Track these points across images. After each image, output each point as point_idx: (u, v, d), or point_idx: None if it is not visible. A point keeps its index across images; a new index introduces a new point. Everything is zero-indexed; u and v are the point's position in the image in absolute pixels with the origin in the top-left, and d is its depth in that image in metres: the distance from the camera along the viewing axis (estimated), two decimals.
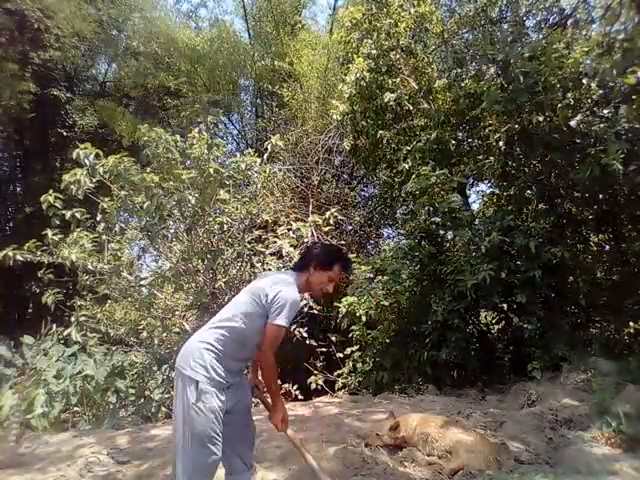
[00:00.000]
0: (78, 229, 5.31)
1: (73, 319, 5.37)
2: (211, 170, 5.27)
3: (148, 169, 5.45)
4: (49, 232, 5.18)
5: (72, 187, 5.07)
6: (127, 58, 14.08)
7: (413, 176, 6.11)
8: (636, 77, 4.76)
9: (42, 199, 5.10)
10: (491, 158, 6.52)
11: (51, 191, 5.13)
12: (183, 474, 2.00)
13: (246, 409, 2.29)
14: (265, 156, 6.01)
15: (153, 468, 3.10)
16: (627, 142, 4.83)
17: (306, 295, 5.80)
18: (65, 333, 5.36)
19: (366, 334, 6.34)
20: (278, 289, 2.13)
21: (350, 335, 6.49)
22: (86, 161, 5.15)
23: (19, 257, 4.98)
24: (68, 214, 5.16)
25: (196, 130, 5.51)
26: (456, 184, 6.02)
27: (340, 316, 6.34)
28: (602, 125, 5.05)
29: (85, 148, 5.20)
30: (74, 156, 5.22)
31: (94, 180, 5.16)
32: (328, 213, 6.00)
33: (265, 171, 6.06)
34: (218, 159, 5.66)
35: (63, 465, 3.21)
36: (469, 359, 5.67)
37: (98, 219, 5.41)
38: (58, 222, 5.20)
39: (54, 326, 5.67)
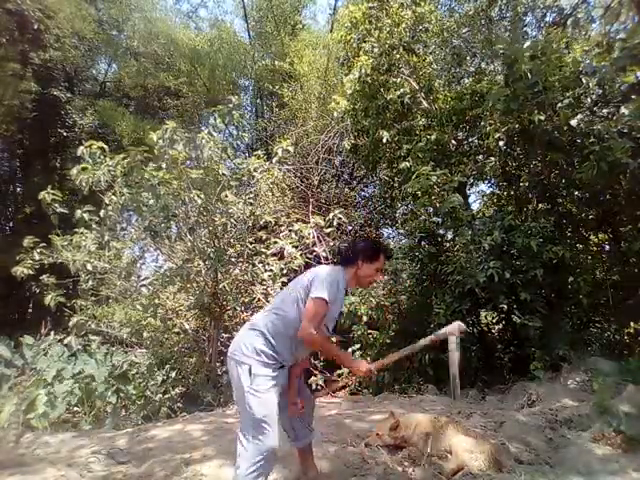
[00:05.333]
0: (81, 230, 5.33)
1: (71, 324, 5.38)
2: (220, 172, 5.28)
3: (163, 165, 5.44)
4: (56, 239, 5.23)
5: (84, 183, 5.11)
6: (127, 58, 14.09)
7: (414, 176, 6.11)
8: (635, 76, 4.76)
9: (40, 197, 5.13)
10: (491, 158, 6.51)
11: (49, 188, 5.15)
12: (242, 460, 2.06)
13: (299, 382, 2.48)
14: (274, 160, 5.99)
15: (153, 468, 3.09)
16: (631, 140, 4.82)
17: None
18: (65, 341, 5.40)
19: (367, 334, 6.34)
20: (317, 272, 2.28)
21: (351, 335, 6.49)
22: (90, 160, 5.17)
23: (30, 271, 5.12)
24: (77, 214, 5.18)
25: (206, 131, 5.51)
26: (456, 184, 6.02)
27: (342, 316, 6.33)
28: (604, 124, 5.05)
29: (90, 145, 5.21)
30: (78, 153, 5.25)
31: (106, 179, 5.20)
32: (332, 214, 6.01)
33: (272, 174, 6.05)
34: (226, 162, 5.68)
35: (63, 465, 3.21)
36: (469, 359, 5.66)
37: (101, 215, 5.43)
38: (59, 221, 5.23)
39: (52, 332, 5.70)
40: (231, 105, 5.38)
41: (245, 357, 2.13)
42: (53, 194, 5.11)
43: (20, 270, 5.12)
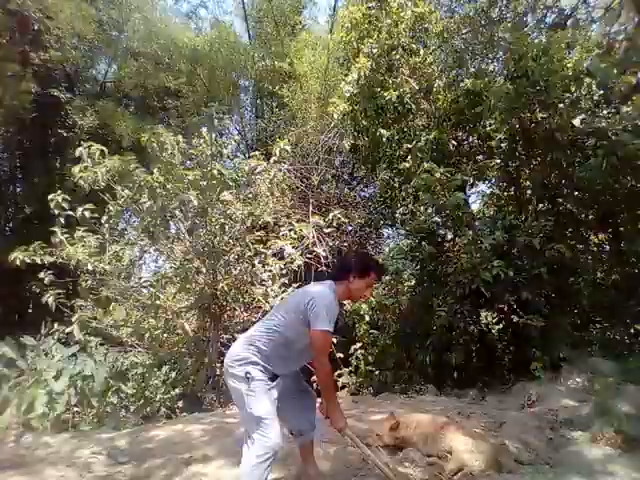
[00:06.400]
0: (82, 228, 5.34)
1: (74, 318, 5.39)
2: (215, 172, 5.28)
3: (155, 170, 5.45)
4: (57, 230, 5.23)
5: (83, 182, 5.12)
6: (127, 58, 14.07)
7: (418, 172, 6.10)
8: (636, 77, 4.77)
9: (50, 198, 5.17)
10: (492, 158, 6.52)
11: (59, 191, 5.19)
12: (247, 457, 2.16)
13: (297, 379, 2.56)
14: (272, 160, 5.99)
15: (153, 468, 3.09)
16: (638, 135, 4.82)
17: None
18: (67, 331, 5.40)
19: (368, 333, 6.35)
20: (312, 296, 2.32)
21: (353, 334, 6.50)
22: (89, 160, 5.18)
23: (26, 259, 5.09)
24: (78, 212, 5.20)
25: (204, 131, 5.51)
26: (460, 182, 6.01)
27: (345, 315, 6.36)
28: (609, 120, 5.05)
29: (89, 146, 5.22)
30: (76, 154, 5.26)
31: (107, 179, 5.22)
32: (331, 215, 6.02)
33: (270, 174, 6.05)
34: (224, 162, 5.68)
35: (63, 465, 3.21)
36: (470, 360, 5.67)
37: (103, 220, 5.45)
38: (63, 222, 5.26)
39: (55, 325, 5.70)
40: (214, 110, 5.41)
41: (240, 368, 2.24)
42: (63, 197, 5.17)
43: (15, 255, 5.09)
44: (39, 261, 5.22)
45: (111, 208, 5.46)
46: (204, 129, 5.70)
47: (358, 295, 2.55)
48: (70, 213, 5.26)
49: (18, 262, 5.10)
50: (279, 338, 2.30)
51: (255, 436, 2.15)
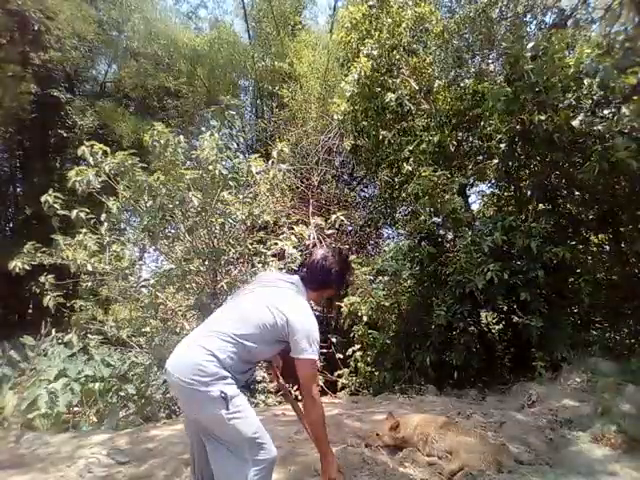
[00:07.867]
0: (83, 230, 5.32)
1: (72, 323, 5.38)
2: (217, 172, 5.27)
3: (158, 169, 5.43)
4: (59, 238, 5.20)
5: (77, 185, 5.08)
6: (127, 59, 14.10)
7: (415, 178, 6.10)
8: (637, 77, 4.76)
9: (42, 199, 5.12)
10: (492, 159, 6.52)
11: (51, 191, 5.14)
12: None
13: None
14: (271, 162, 5.99)
15: (153, 468, 3.10)
16: (633, 139, 4.82)
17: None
18: (66, 339, 5.38)
19: (367, 334, 6.34)
20: (288, 317, 2.02)
21: (352, 335, 6.49)
22: (91, 159, 5.15)
23: (26, 266, 5.07)
24: (73, 214, 5.17)
25: (208, 134, 5.50)
26: (458, 185, 6.01)
27: (342, 317, 6.35)
28: (605, 124, 5.05)
29: (91, 145, 5.20)
30: (79, 153, 5.23)
31: (100, 179, 5.17)
32: (334, 217, 6.02)
33: (270, 174, 6.04)
34: (224, 162, 5.67)
35: (63, 465, 3.21)
36: (470, 360, 5.67)
37: (102, 219, 5.42)
38: (59, 223, 5.23)
39: (53, 331, 5.69)
40: (223, 105, 5.34)
41: (210, 386, 1.87)
42: (55, 196, 5.11)
43: (14, 264, 5.08)
44: (36, 261, 5.19)
45: (111, 207, 5.44)
46: (203, 130, 5.70)
47: (325, 299, 2.47)
48: (66, 213, 5.22)
49: (18, 270, 5.07)
50: (244, 351, 1.97)
51: (251, 458, 1.87)
